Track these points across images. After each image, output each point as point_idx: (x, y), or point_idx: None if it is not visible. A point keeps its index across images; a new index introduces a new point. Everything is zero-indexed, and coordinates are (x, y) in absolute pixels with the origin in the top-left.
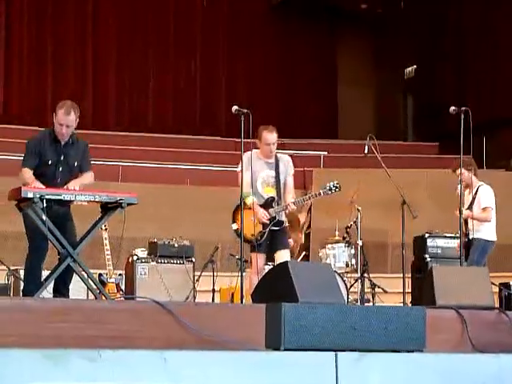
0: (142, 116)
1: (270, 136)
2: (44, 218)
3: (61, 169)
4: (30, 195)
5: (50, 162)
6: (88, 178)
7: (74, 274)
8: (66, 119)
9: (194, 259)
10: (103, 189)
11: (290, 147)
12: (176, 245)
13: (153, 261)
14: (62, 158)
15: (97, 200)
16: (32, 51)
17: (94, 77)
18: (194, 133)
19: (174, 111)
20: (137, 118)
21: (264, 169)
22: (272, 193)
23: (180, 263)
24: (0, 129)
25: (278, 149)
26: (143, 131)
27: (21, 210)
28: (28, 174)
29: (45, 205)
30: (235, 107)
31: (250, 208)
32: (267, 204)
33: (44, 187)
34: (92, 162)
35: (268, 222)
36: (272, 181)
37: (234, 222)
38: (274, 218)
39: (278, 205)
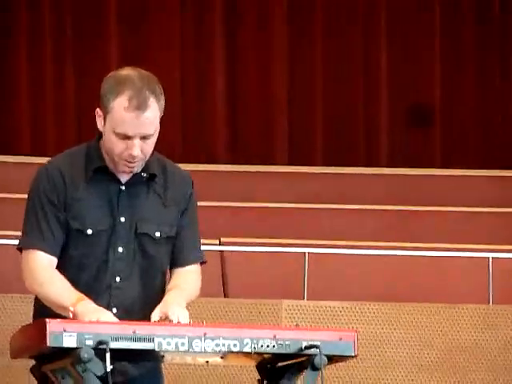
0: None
1: None
2: None
3: (120, 248)
4: (72, 343)
5: (90, 232)
6: (194, 284)
7: None
8: (139, 121)
9: None
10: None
11: None
12: None
13: None
14: (122, 217)
15: (250, 351)
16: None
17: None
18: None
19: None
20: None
21: None
22: None
23: None
24: None
25: None
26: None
27: (44, 382)
28: (50, 274)
29: (109, 366)
30: None
31: None
32: None
33: (106, 317)
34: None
35: None
36: None
37: None
38: None
39: None
